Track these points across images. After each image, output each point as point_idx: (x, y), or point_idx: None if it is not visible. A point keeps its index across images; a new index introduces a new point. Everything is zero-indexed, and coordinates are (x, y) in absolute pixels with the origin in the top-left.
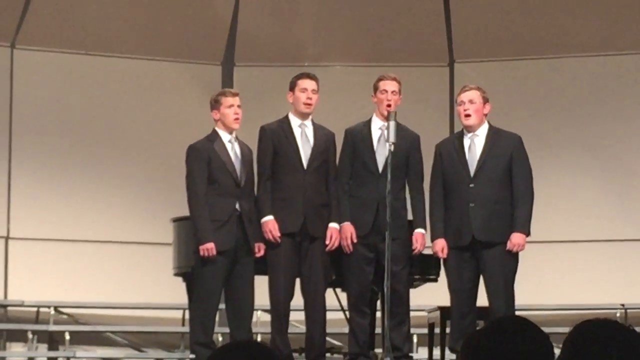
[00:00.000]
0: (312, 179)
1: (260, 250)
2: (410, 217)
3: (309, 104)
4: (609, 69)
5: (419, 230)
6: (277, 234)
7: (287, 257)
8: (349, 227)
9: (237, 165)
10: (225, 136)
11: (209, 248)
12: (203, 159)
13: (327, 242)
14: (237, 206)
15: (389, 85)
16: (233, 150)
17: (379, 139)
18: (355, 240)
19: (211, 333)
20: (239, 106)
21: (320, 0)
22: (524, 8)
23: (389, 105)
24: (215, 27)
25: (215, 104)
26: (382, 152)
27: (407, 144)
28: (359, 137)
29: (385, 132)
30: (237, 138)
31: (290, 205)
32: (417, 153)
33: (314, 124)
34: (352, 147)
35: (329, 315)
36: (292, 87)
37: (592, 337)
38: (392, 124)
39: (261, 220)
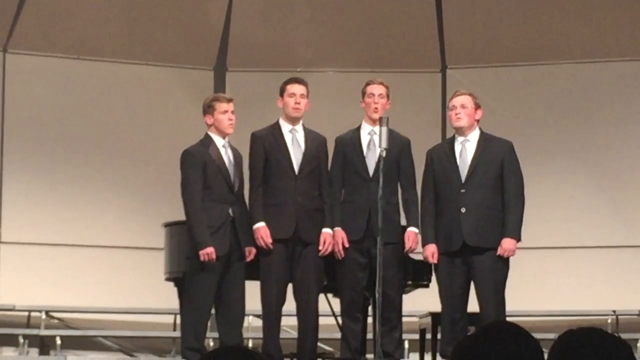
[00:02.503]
0: (303, 184)
1: (250, 254)
2: (403, 221)
3: (297, 109)
4: (602, 76)
5: (411, 229)
6: (269, 240)
7: (280, 263)
8: (340, 233)
9: (231, 170)
10: (219, 141)
11: (209, 252)
12: (198, 164)
13: (320, 248)
14: (231, 211)
15: (376, 89)
16: (227, 155)
17: (368, 144)
18: (347, 246)
19: (203, 338)
20: (232, 112)
21: (312, 5)
22: (516, 15)
23: (376, 109)
24: (208, 32)
25: (208, 109)
26: (372, 157)
27: (398, 149)
28: (349, 143)
29: (375, 137)
30: (229, 143)
31: (282, 211)
32: (408, 157)
33: (305, 129)
34: (343, 154)
35: (321, 321)
36: (282, 93)
37: (578, 345)
38: (384, 129)
39: (253, 227)
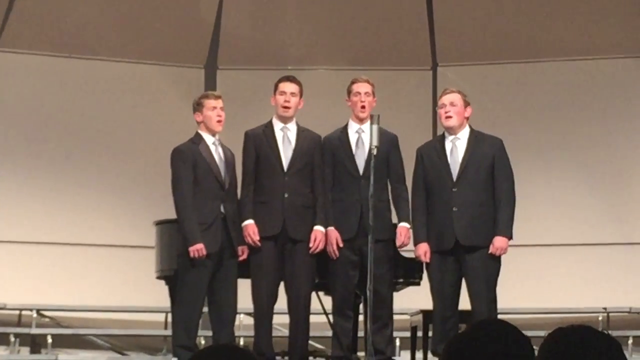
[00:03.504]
0: (293, 181)
1: (243, 253)
2: (394, 219)
3: (286, 107)
4: (592, 73)
5: (402, 225)
6: (257, 238)
7: (269, 261)
8: (333, 232)
9: (222, 168)
10: (209, 139)
11: (199, 249)
12: (188, 161)
13: (310, 245)
14: (222, 209)
15: (362, 88)
16: (217, 152)
17: (356, 143)
18: (341, 245)
19: (194, 336)
20: (221, 108)
21: (303, 3)
22: (506, 12)
23: (362, 107)
24: (199, 30)
25: (197, 107)
26: (361, 155)
27: (386, 145)
28: (337, 142)
29: (362, 135)
30: (219, 141)
31: (269, 209)
32: (397, 153)
33: (298, 127)
34: (331, 153)
35: (312, 319)
36: (275, 91)
37: (568, 343)
38: (374, 127)
39: (242, 225)
